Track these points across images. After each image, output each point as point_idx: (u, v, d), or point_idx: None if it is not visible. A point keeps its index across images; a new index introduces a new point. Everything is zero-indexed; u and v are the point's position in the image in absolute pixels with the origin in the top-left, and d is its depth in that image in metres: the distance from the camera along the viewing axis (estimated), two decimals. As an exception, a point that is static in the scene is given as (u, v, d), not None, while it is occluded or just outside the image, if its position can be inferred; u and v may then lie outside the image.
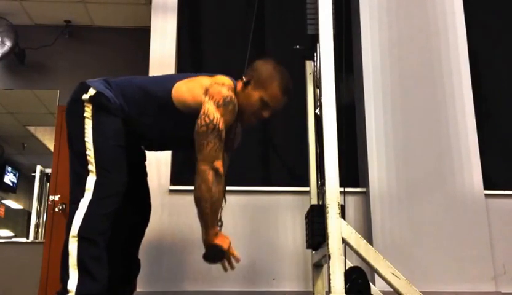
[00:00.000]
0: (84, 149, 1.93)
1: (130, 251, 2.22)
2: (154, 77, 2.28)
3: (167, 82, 2.10)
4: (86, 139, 1.94)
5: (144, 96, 2.05)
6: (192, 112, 1.98)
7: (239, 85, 2.13)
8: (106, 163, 1.94)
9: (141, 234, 2.27)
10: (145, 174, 2.31)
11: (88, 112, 1.98)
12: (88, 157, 1.92)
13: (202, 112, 1.93)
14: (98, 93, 1.99)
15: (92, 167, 1.91)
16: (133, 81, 2.14)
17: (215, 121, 1.92)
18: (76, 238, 1.83)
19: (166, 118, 2.05)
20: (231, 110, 1.98)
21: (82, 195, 1.88)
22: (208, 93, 1.97)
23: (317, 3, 2.21)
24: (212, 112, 1.93)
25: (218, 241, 1.99)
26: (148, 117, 2.06)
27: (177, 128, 2.08)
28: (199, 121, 1.92)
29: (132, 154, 2.09)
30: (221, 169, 1.94)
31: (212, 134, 1.91)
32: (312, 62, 2.68)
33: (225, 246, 2.00)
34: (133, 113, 2.04)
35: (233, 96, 2.00)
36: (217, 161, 1.93)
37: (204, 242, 2.03)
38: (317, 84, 2.38)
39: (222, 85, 2.02)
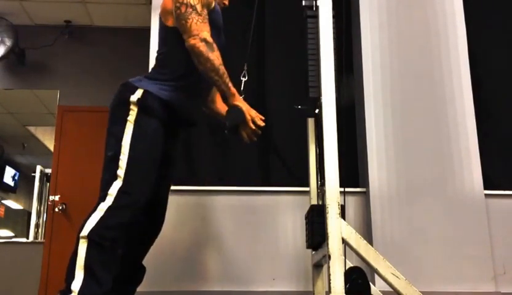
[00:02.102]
0: (119, 152, 1.90)
1: (137, 257, 2.20)
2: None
3: (159, 28, 2.18)
4: (123, 143, 1.91)
5: (173, 49, 2.10)
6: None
7: None
8: (136, 171, 1.90)
9: (152, 242, 2.24)
10: (170, 182, 2.27)
11: (132, 115, 1.95)
12: (120, 161, 1.89)
13: (173, 4, 2.00)
14: (145, 93, 1.98)
15: (121, 172, 1.88)
16: (159, 56, 2.17)
17: (185, 1, 1.97)
18: (86, 240, 1.81)
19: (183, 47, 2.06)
20: None
21: (103, 199, 1.86)
22: None
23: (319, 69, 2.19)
24: None
25: (237, 101, 2.01)
26: (188, 66, 2.06)
27: None
28: (173, 10, 2.00)
29: (166, 157, 2.08)
30: (209, 39, 1.96)
31: (187, 12, 1.96)
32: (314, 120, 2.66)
33: (244, 108, 2.01)
34: (181, 81, 2.06)
35: None
36: (202, 32, 1.96)
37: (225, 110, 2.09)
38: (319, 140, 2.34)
39: None
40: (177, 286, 2.84)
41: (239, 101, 2.02)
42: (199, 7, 1.99)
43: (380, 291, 2.34)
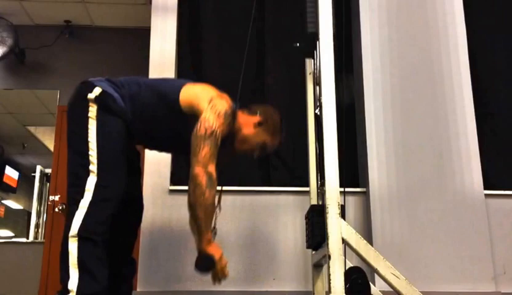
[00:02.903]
0: (87, 149, 1.93)
1: (125, 251, 2.22)
2: (162, 79, 2.29)
3: (177, 83, 2.15)
4: (89, 139, 1.94)
5: (154, 97, 2.07)
6: (195, 115, 2.01)
7: (243, 114, 2.17)
8: (107, 165, 1.94)
9: (136, 234, 2.28)
10: (140, 175, 2.31)
11: (92, 112, 1.97)
12: (90, 157, 1.92)
13: (202, 117, 1.95)
14: (103, 93, 1.99)
15: (93, 167, 1.91)
16: (141, 82, 2.15)
17: (214, 127, 1.93)
18: (76, 238, 1.83)
19: (172, 119, 2.07)
20: (228, 123, 2.01)
21: (82, 196, 1.88)
22: (211, 102, 2.00)
23: (317, 1, 2.21)
24: (212, 118, 1.95)
25: (210, 249, 1.96)
26: (153, 118, 2.07)
27: (178, 130, 2.09)
28: (198, 125, 1.94)
29: (130, 155, 2.10)
30: (214, 175, 1.92)
31: (209, 139, 1.92)
32: (312, 61, 2.67)
33: (217, 257, 1.96)
34: (137, 114, 2.05)
35: (231, 113, 2.04)
36: (211, 165, 1.92)
37: (198, 249, 2.01)
38: (318, 82, 2.38)
39: (226, 100, 2.06)
40: (177, 286, 2.84)
41: (213, 248, 1.97)
42: (219, 141, 1.96)
43: (379, 291, 2.34)
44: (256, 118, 2.16)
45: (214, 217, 2.09)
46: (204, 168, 1.89)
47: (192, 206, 1.92)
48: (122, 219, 2.10)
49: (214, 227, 2.06)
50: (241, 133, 2.14)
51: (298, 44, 2.67)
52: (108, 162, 1.95)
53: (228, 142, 2.11)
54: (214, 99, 2.01)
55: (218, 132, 1.94)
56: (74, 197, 1.90)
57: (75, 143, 2.00)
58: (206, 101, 2.01)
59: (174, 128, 2.11)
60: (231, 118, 2.04)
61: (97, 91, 1.99)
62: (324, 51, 2.14)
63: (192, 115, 2.02)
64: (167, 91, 2.09)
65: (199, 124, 1.94)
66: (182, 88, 2.08)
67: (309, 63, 2.76)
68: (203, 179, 1.88)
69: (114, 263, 2.03)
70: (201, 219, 1.91)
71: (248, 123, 2.15)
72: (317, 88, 2.48)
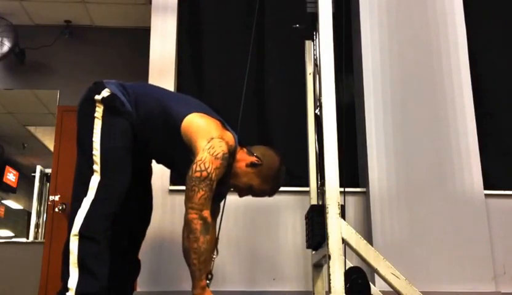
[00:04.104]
0: (91, 148, 1.96)
1: (130, 251, 2.23)
2: (174, 94, 2.26)
3: (185, 105, 2.09)
4: (94, 139, 1.97)
5: (158, 109, 2.05)
6: (191, 149, 1.97)
7: (243, 152, 2.12)
8: (110, 164, 1.97)
9: (142, 235, 2.28)
10: (150, 175, 2.30)
11: (99, 112, 2.00)
12: (94, 157, 1.96)
13: (198, 159, 1.89)
14: (112, 95, 2.01)
15: (96, 167, 1.95)
16: (150, 91, 2.15)
17: (209, 170, 1.87)
18: (77, 237, 1.86)
19: (167, 137, 2.04)
20: (224, 166, 1.96)
21: (85, 194, 1.92)
22: (210, 143, 1.93)
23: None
24: (208, 160, 1.88)
25: None
26: (153, 131, 2.06)
27: (173, 151, 2.08)
28: (194, 166, 1.88)
29: (137, 156, 2.10)
30: (209, 219, 1.88)
31: (204, 182, 1.86)
32: (312, 43, 2.64)
33: None
34: (139, 121, 2.04)
35: (229, 156, 1.99)
36: (206, 210, 1.87)
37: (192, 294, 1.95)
38: (317, 63, 2.36)
39: (227, 143, 1.98)
40: (177, 286, 2.84)
41: None
42: (214, 185, 1.90)
43: (379, 291, 2.35)
44: (251, 159, 2.09)
45: (211, 263, 2.08)
46: (198, 213, 1.85)
47: (186, 252, 1.87)
48: (128, 218, 2.12)
49: (210, 272, 2.04)
50: (234, 168, 2.08)
51: (297, 25, 2.65)
52: (111, 162, 1.97)
53: (228, 177, 2.08)
54: (214, 140, 1.93)
55: (213, 175, 1.87)
56: (77, 195, 1.94)
57: (81, 142, 2.03)
58: (205, 139, 1.94)
59: (169, 149, 2.09)
60: (230, 159, 2.00)
61: (105, 93, 2.01)
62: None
63: (188, 145, 1.98)
64: (172, 113, 2.03)
65: (194, 165, 1.87)
66: (187, 116, 2.01)
67: (308, 44, 2.73)
68: (198, 224, 1.84)
69: (117, 262, 2.04)
70: (195, 265, 1.86)
71: (242, 161, 2.09)
72: (317, 88, 2.48)
